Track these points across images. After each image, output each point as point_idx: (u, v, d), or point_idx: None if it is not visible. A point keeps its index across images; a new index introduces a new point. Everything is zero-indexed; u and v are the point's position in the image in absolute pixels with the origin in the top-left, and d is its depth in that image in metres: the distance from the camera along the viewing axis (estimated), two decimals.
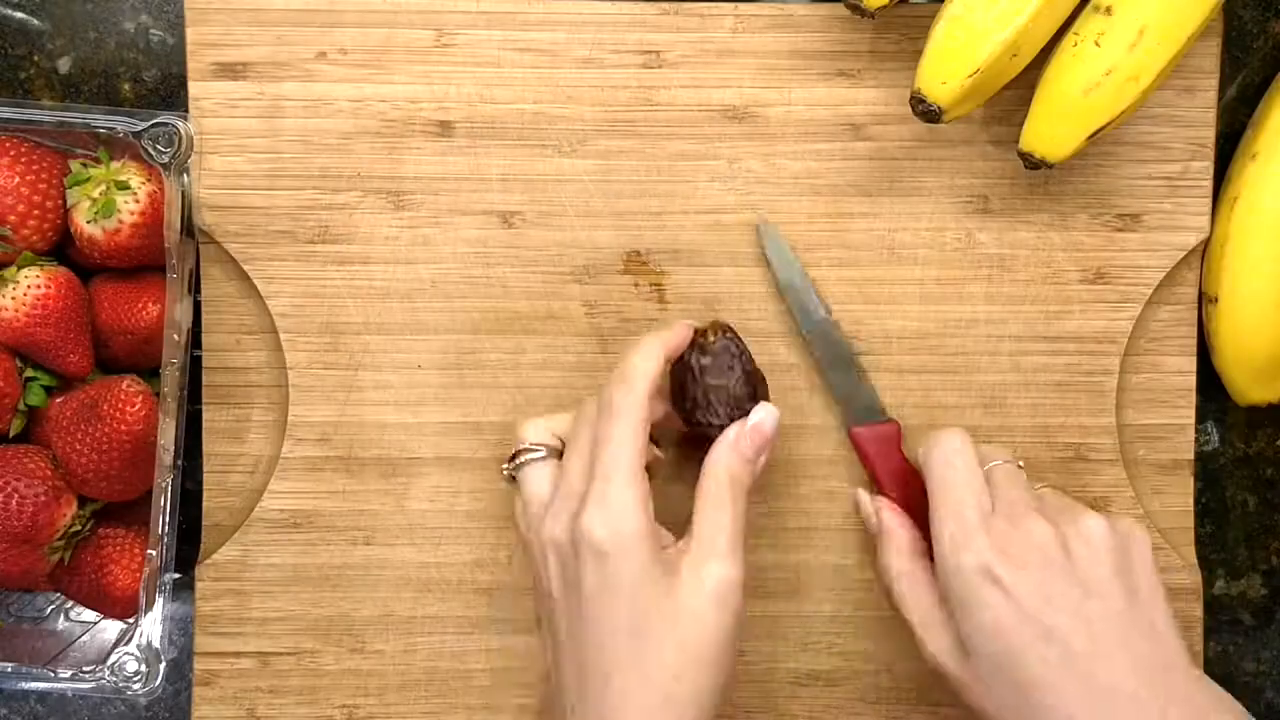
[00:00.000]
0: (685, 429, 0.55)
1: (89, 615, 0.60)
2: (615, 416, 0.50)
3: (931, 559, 0.52)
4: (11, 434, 0.56)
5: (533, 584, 0.53)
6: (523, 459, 0.53)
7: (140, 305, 0.57)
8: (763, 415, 0.53)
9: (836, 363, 0.59)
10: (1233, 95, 0.61)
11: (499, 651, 0.60)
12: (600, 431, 0.50)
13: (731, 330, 0.54)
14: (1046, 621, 0.48)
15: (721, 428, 0.53)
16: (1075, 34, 0.53)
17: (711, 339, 0.54)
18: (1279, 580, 0.63)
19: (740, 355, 0.54)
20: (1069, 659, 0.48)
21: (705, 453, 0.52)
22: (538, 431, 0.53)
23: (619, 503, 0.49)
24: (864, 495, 0.58)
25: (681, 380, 0.54)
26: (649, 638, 0.48)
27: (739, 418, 0.53)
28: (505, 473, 0.54)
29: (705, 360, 0.53)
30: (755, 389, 0.54)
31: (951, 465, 0.52)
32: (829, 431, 0.59)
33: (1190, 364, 0.60)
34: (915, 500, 0.55)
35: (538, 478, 0.52)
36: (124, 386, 0.54)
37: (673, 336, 0.53)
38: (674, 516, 0.52)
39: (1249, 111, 0.61)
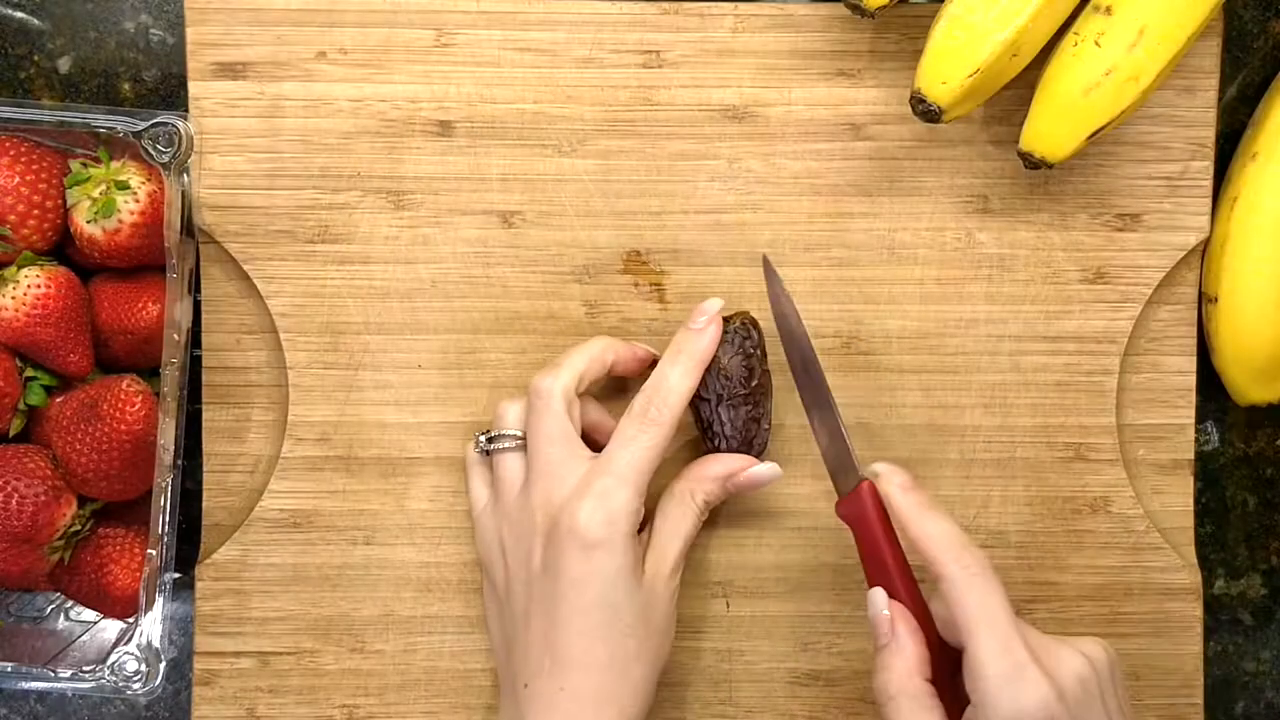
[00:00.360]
0: None
1: (89, 615, 0.60)
2: (649, 427, 0.53)
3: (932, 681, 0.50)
4: (11, 434, 0.56)
5: (482, 558, 0.56)
6: (504, 444, 0.56)
7: (140, 305, 0.57)
8: (766, 471, 0.55)
9: (816, 406, 0.55)
10: (1233, 95, 0.61)
11: None
12: (629, 432, 0.53)
13: (752, 324, 0.56)
14: None
15: (707, 402, 0.55)
16: (1075, 34, 0.53)
17: (728, 324, 0.55)
18: (1279, 580, 0.63)
19: (746, 341, 0.55)
20: None
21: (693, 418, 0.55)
22: (517, 418, 0.56)
23: (619, 503, 0.52)
24: (881, 596, 0.52)
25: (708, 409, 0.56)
26: (616, 626, 0.51)
27: (729, 400, 0.55)
28: (478, 449, 0.57)
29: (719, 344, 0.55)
30: (752, 373, 0.55)
31: (992, 595, 0.49)
32: None
33: (1190, 364, 0.60)
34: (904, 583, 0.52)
35: (513, 464, 0.56)
36: (124, 386, 0.54)
37: (707, 353, 0.55)
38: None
39: (1249, 111, 0.61)
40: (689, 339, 0.55)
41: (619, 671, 0.51)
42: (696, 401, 0.55)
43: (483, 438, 0.56)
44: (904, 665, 0.50)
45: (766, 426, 0.56)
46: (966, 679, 0.48)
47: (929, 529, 0.50)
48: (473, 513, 0.57)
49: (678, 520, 0.55)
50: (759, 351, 0.56)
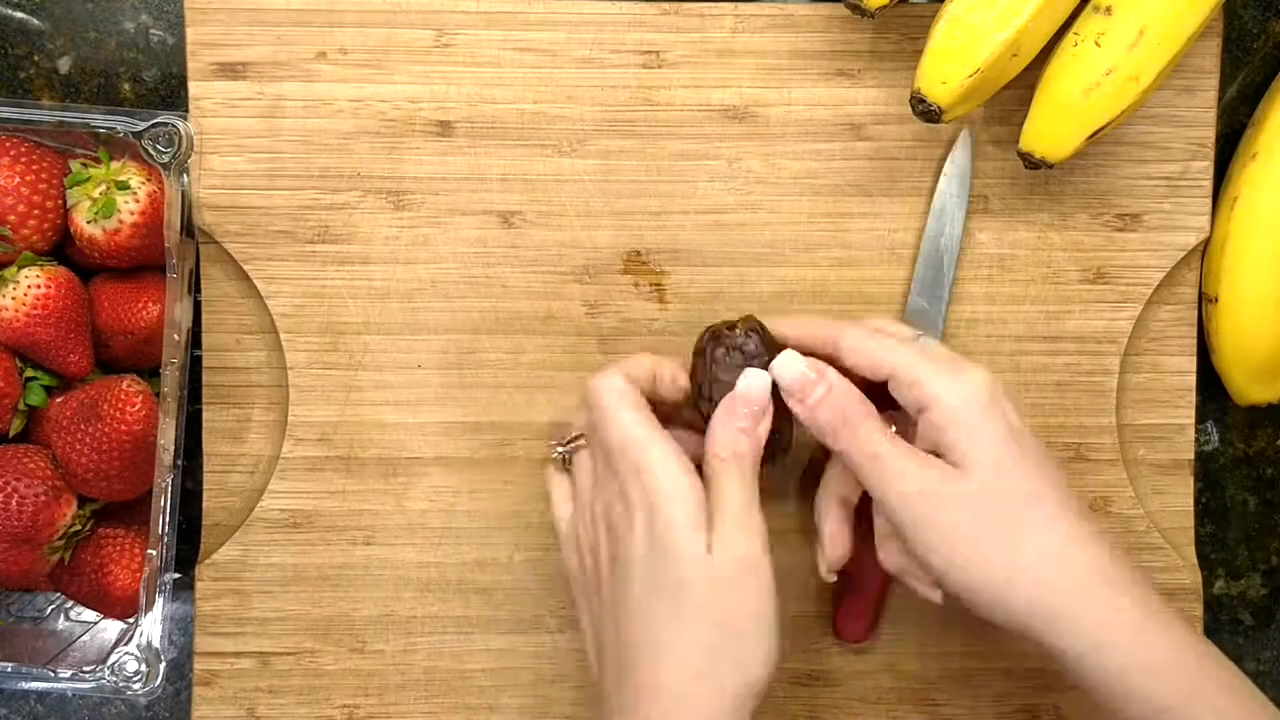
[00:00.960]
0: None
1: (89, 615, 0.60)
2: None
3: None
4: (11, 434, 0.56)
5: (573, 573, 0.53)
6: (579, 444, 0.54)
7: (140, 305, 0.57)
8: (749, 381, 0.52)
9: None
10: (1233, 95, 0.61)
11: (499, 651, 0.60)
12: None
13: (759, 329, 0.53)
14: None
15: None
16: (1075, 34, 0.53)
17: (731, 332, 0.53)
18: (1279, 580, 0.63)
19: (755, 357, 0.53)
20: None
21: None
22: (581, 424, 0.54)
23: (669, 471, 0.49)
24: (793, 357, 0.52)
25: (695, 366, 0.54)
26: (686, 606, 0.48)
27: None
28: (557, 455, 0.54)
29: (719, 352, 0.53)
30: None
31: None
32: None
33: (1190, 364, 0.60)
34: None
35: (587, 464, 0.53)
36: (124, 386, 0.54)
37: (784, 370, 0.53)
38: None
39: (1249, 111, 0.61)
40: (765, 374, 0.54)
41: (701, 661, 0.48)
42: (706, 420, 0.53)
43: (558, 447, 0.54)
44: (848, 392, 0.51)
45: (788, 433, 0.54)
46: (905, 398, 0.50)
47: (804, 329, 0.53)
48: (558, 531, 0.55)
49: (717, 489, 0.50)
50: (768, 356, 0.53)
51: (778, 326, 0.54)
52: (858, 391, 0.51)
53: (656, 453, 0.50)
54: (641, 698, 0.48)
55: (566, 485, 0.55)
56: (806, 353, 0.52)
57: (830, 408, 0.51)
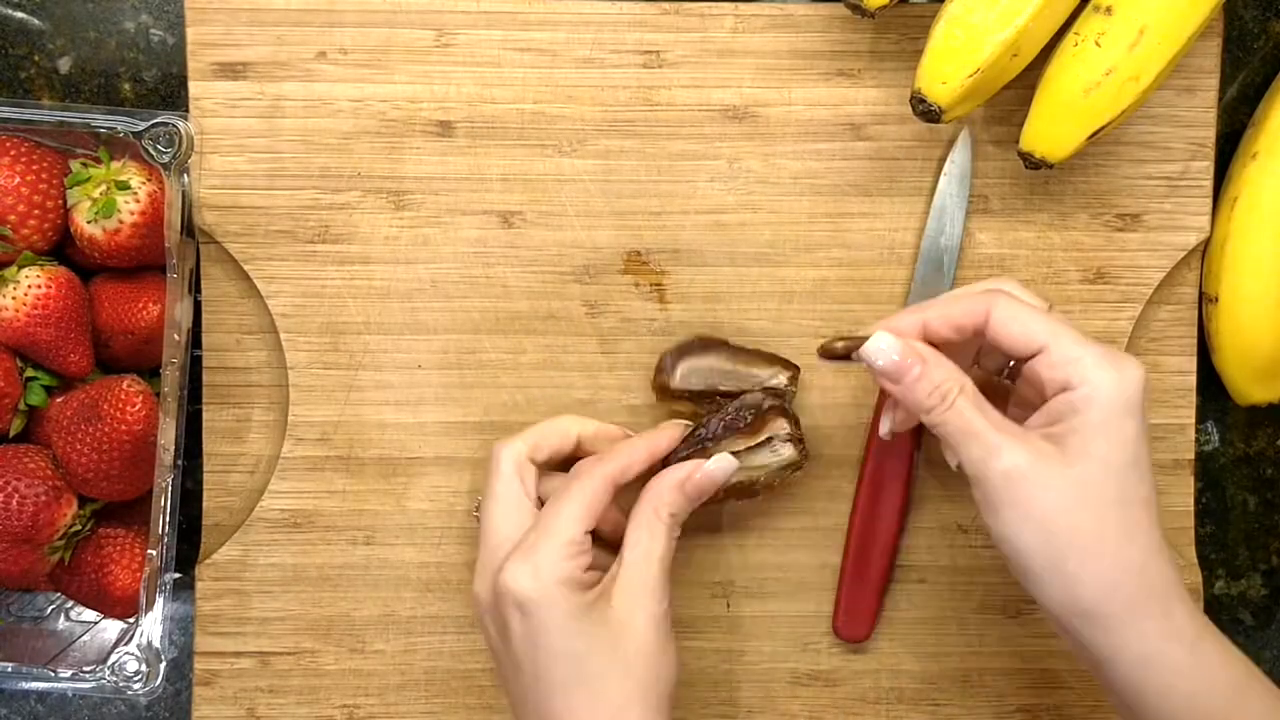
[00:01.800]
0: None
1: (89, 615, 0.60)
2: (574, 482, 0.52)
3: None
4: (12, 434, 0.56)
5: (491, 646, 0.53)
6: (476, 512, 0.55)
7: (140, 305, 0.57)
8: (722, 465, 0.53)
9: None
10: (1233, 95, 0.61)
11: None
12: (561, 491, 0.52)
13: (795, 431, 0.55)
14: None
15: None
16: (1075, 34, 0.53)
17: (765, 425, 0.55)
18: (1279, 580, 0.63)
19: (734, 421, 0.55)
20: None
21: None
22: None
23: (543, 555, 0.50)
24: (887, 338, 0.51)
25: (709, 410, 0.56)
26: (592, 676, 0.49)
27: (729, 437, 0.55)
28: (475, 519, 0.56)
29: (725, 429, 0.55)
30: (740, 417, 0.56)
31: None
32: (830, 432, 0.59)
33: (1190, 364, 0.60)
34: None
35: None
36: (124, 386, 0.54)
37: (661, 440, 0.54)
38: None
39: (1249, 111, 0.61)
40: (649, 434, 0.55)
41: (611, 716, 0.49)
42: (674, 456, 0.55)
43: (475, 513, 0.55)
44: (944, 366, 0.50)
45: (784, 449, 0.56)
46: (1048, 374, 0.49)
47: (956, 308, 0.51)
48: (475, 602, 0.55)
49: (647, 543, 0.52)
50: (749, 414, 0.55)
51: (928, 306, 0.52)
52: (952, 364, 0.50)
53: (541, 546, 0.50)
54: None
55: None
56: (953, 330, 0.51)
57: (927, 383, 0.49)
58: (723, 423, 0.55)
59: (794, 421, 0.55)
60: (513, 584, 0.50)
